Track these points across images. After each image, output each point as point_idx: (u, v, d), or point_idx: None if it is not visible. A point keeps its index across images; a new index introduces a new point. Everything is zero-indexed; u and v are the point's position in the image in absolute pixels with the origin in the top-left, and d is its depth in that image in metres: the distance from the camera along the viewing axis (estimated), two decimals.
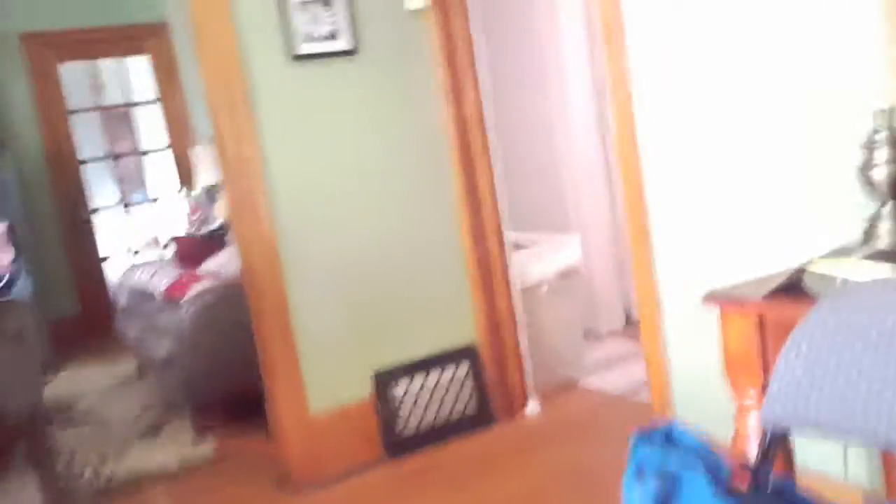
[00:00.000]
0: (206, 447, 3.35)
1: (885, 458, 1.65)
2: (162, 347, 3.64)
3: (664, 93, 2.16)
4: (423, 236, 3.12)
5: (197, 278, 3.92)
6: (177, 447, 3.39)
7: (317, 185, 2.92)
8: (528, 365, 3.34)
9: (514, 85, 4.04)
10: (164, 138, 6.36)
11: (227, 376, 3.50)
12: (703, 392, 2.07)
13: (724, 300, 1.47)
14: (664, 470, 1.12)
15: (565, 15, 4.00)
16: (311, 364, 2.92)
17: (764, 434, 1.23)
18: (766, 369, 1.42)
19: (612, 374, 3.60)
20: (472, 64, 3.06)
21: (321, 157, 2.93)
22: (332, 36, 2.89)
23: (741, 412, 1.45)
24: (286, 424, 2.89)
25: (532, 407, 3.32)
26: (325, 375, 2.95)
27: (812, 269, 1.40)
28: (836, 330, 1.19)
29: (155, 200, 6.54)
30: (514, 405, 3.30)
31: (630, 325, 4.24)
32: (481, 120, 3.13)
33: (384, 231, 3.05)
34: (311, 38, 2.85)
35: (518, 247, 3.46)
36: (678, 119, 2.14)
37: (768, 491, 1.12)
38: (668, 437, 1.20)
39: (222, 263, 3.91)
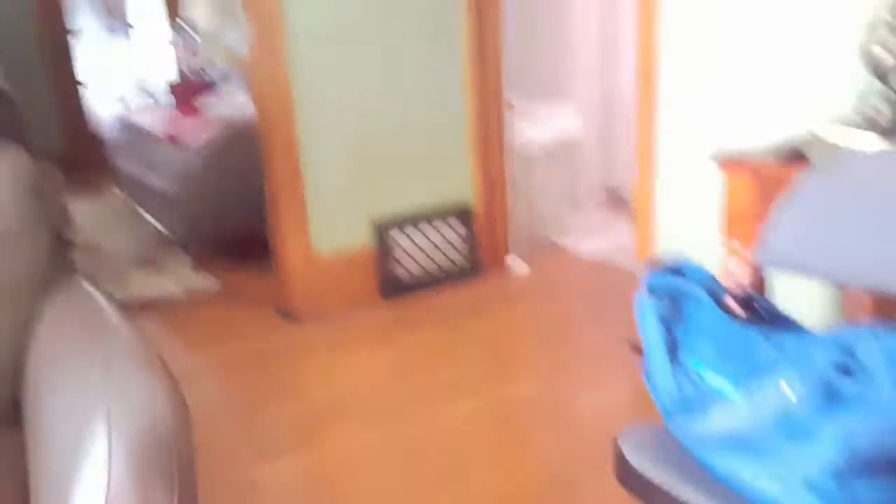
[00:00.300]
0: (209, 280, 3.53)
1: (845, 299, 1.88)
2: (165, 185, 3.75)
3: None
4: (429, 93, 3.23)
5: (199, 120, 3.98)
6: (179, 278, 3.57)
7: (332, 33, 2.98)
8: (515, 225, 3.55)
9: None
10: None
11: (230, 218, 3.65)
12: (685, 249, 2.29)
13: (730, 160, 1.65)
14: (673, 291, 1.32)
15: None
16: (317, 207, 3.08)
17: (757, 272, 1.44)
18: (759, 224, 1.62)
19: (590, 239, 3.83)
20: None
21: (338, 3, 2.98)
22: None
23: (734, 259, 1.66)
24: (291, 261, 3.08)
25: (516, 264, 3.55)
26: (329, 219, 3.12)
27: (812, 137, 1.58)
28: (830, 187, 1.38)
29: (136, 32, 6.40)
30: (500, 261, 3.53)
31: (609, 195, 4.46)
32: None
33: (393, 84, 3.15)
34: None
35: (517, 111, 3.58)
36: None
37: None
38: (676, 269, 1.40)
39: (228, 107, 3.97)
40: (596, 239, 3.83)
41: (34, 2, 5.58)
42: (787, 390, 1.09)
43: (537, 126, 3.65)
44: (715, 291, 1.32)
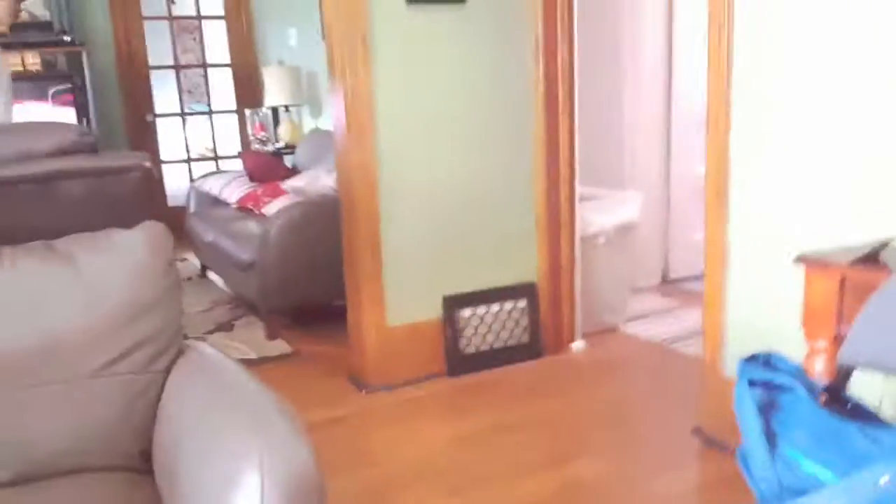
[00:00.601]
0: (282, 344, 3.69)
1: None
2: (241, 253, 3.95)
3: (762, 59, 2.36)
4: (502, 179, 3.42)
5: (277, 193, 4.21)
6: (253, 344, 3.73)
7: (415, 119, 3.20)
8: (578, 307, 3.68)
9: (595, 47, 4.27)
10: (226, 55, 6.57)
11: (303, 286, 3.83)
12: (756, 344, 2.39)
13: (812, 262, 1.78)
14: (769, 383, 1.44)
15: None
16: (392, 281, 3.25)
17: (840, 367, 1.54)
18: (839, 323, 1.74)
19: (649, 324, 3.94)
20: (571, 25, 3.31)
21: (423, 94, 3.20)
22: None
23: (813, 356, 1.77)
24: (365, 332, 3.23)
25: (578, 345, 3.66)
26: (402, 293, 3.28)
27: (891, 246, 1.70)
28: None
29: (212, 113, 6.78)
30: (562, 341, 3.64)
31: (665, 282, 4.58)
32: (570, 78, 3.39)
33: (469, 170, 3.34)
34: None
35: (582, 198, 3.75)
36: (771, 85, 2.35)
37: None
38: (769, 362, 1.51)
39: (302, 181, 4.20)
40: (655, 324, 3.93)
41: (121, 87, 6.01)
42: (883, 479, 1.20)
43: (598, 212, 3.81)
44: (808, 385, 1.44)
